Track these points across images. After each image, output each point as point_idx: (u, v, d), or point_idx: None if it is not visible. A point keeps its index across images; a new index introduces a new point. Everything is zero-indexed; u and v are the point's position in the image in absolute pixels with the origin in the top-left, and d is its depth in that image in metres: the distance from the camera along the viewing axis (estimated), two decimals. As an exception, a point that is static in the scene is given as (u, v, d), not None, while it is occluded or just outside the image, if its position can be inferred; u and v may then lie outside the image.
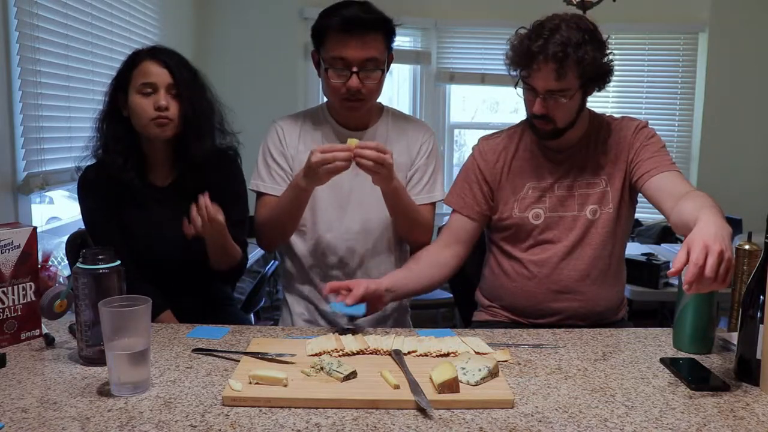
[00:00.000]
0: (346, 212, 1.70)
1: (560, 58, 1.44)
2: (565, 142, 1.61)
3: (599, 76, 1.52)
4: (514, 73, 1.55)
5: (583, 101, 1.56)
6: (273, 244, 1.79)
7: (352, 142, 1.46)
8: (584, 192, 1.61)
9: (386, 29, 1.61)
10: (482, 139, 1.73)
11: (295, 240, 1.73)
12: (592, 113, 1.66)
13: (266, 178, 1.71)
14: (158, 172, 1.63)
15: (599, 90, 1.58)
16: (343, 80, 1.58)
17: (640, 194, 1.60)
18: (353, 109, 1.65)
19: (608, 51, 1.53)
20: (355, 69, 1.57)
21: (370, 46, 1.57)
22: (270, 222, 1.67)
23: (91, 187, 1.60)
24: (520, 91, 1.57)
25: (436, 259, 1.63)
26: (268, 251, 1.73)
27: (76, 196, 1.66)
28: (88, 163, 1.61)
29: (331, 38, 1.57)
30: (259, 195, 1.73)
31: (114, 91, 1.57)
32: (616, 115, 1.69)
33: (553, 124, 1.54)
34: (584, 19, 1.51)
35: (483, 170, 1.67)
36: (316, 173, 1.46)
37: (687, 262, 1.06)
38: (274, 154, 1.71)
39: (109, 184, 1.57)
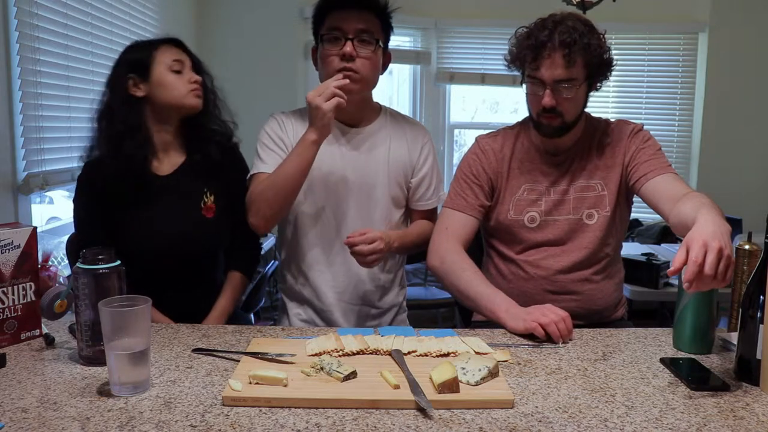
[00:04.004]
0: (346, 213, 1.70)
1: (568, 44, 1.47)
2: (562, 144, 1.61)
3: (603, 66, 1.54)
4: (517, 73, 1.57)
5: (587, 96, 1.57)
6: (267, 216, 1.59)
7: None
8: (580, 196, 1.62)
9: (383, 16, 1.64)
10: (481, 138, 1.73)
11: (293, 240, 1.73)
12: (588, 116, 1.66)
13: (267, 160, 1.64)
14: (163, 161, 1.64)
15: (598, 87, 1.60)
16: (338, 48, 1.59)
17: (636, 196, 1.61)
18: (348, 89, 1.59)
19: (607, 48, 1.55)
20: (350, 36, 1.59)
21: (366, 20, 1.61)
22: (267, 190, 1.55)
23: (87, 185, 1.61)
24: (521, 91, 1.57)
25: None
26: (259, 230, 1.63)
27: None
28: (89, 159, 1.61)
29: (330, 15, 1.62)
30: (253, 176, 1.65)
31: (123, 76, 1.57)
32: (613, 118, 1.70)
33: (561, 118, 1.54)
34: (582, 16, 1.55)
35: (485, 168, 1.67)
36: (318, 110, 1.46)
37: (686, 260, 1.07)
38: (274, 138, 1.68)
39: (107, 183, 1.57)
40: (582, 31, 1.49)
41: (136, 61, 1.58)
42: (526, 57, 1.52)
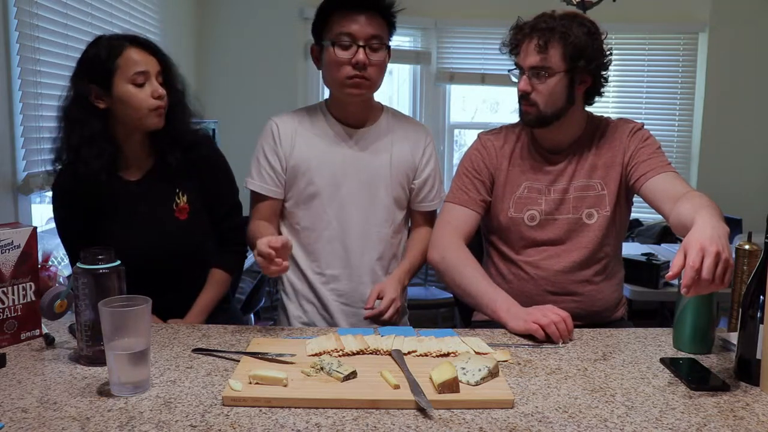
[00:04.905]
0: (348, 215, 1.69)
1: (543, 30, 1.50)
2: (560, 142, 1.62)
3: (586, 61, 1.52)
4: (512, 66, 1.60)
5: (572, 90, 1.55)
6: None
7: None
8: (580, 195, 1.62)
9: (389, 17, 1.64)
10: (483, 135, 1.74)
11: (293, 241, 1.72)
12: (590, 116, 1.66)
13: (255, 176, 1.71)
14: (132, 166, 1.60)
15: (602, 93, 1.60)
16: (349, 55, 1.58)
17: (637, 195, 1.61)
18: (355, 92, 1.62)
19: (608, 48, 1.55)
20: (361, 43, 1.58)
21: (375, 24, 1.60)
22: (253, 238, 1.65)
23: (64, 197, 1.58)
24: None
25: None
26: None
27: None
28: (60, 166, 1.57)
29: (337, 17, 1.60)
30: (253, 196, 1.72)
31: (85, 84, 1.50)
32: (613, 118, 1.70)
33: (536, 108, 1.55)
34: (585, 17, 1.55)
35: (487, 163, 1.67)
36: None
37: (684, 265, 1.06)
38: (267, 152, 1.70)
39: (83, 193, 1.54)
40: (566, 23, 1.49)
41: (98, 69, 1.49)
42: (511, 44, 1.57)
